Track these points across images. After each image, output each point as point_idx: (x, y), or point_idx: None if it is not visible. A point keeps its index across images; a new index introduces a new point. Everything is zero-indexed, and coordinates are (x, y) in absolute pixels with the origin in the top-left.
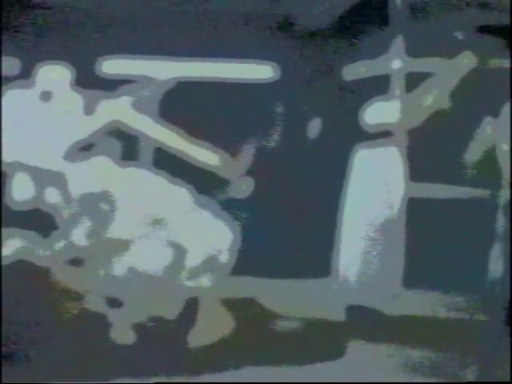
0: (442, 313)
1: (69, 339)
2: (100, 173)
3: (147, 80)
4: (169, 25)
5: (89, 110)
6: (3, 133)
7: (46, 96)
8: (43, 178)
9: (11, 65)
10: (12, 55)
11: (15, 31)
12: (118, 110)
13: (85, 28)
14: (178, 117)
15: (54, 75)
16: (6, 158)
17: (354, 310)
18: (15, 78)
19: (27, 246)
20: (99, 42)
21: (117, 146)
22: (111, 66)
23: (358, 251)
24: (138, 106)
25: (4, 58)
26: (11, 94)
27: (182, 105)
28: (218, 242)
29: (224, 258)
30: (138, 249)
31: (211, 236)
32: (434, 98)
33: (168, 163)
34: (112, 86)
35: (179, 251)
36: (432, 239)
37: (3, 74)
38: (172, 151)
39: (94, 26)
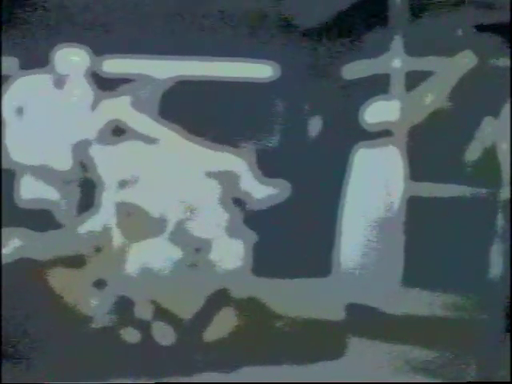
0: (442, 312)
1: (69, 339)
2: (131, 158)
3: (147, 79)
4: (169, 24)
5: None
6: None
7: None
8: (47, 176)
9: (10, 64)
10: (11, 55)
11: (15, 31)
12: (118, 109)
13: (85, 27)
14: (177, 116)
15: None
16: (12, 156)
17: (353, 309)
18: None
19: (28, 244)
20: (99, 42)
21: None
22: (111, 65)
23: (357, 250)
24: (138, 105)
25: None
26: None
27: (181, 104)
28: (236, 242)
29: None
30: (151, 246)
31: (231, 235)
32: (433, 96)
33: None
34: (112, 85)
35: (206, 245)
36: (432, 238)
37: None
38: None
39: (94, 25)
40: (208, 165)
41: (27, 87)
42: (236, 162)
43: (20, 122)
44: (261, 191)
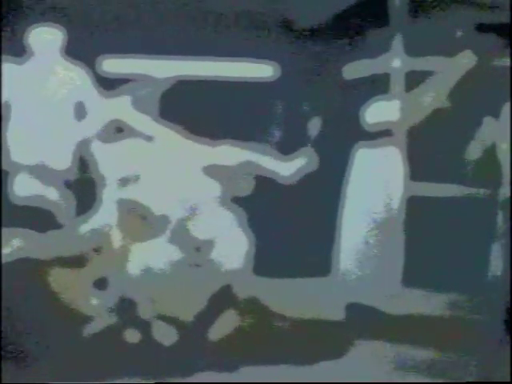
0: (442, 312)
1: (70, 339)
2: (132, 156)
3: (147, 79)
4: (169, 24)
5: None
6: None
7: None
8: (46, 175)
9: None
10: (12, 55)
11: (15, 30)
12: (119, 109)
13: (85, 27)
14: (178, 115)
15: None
16: (10, 156)
17: (354, 309)
18: None
19: (29, 244)
20: (99, 41)
21: None
22: (111, 65)
23: (358, 250)
24: (138, 105)
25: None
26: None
27: (182, 103)
28: (237, 241)
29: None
30: (152, 247)
31: (232, 235)
32: (433, 96)
33: None
34: (112, 84)
35: (207, 244)
36: (432, 238)
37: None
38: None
39: (94, 25)
40: (210, 163)
41: (14, 79)
42: (244, 154)
43: (16, 120)
44: (286, 168)
